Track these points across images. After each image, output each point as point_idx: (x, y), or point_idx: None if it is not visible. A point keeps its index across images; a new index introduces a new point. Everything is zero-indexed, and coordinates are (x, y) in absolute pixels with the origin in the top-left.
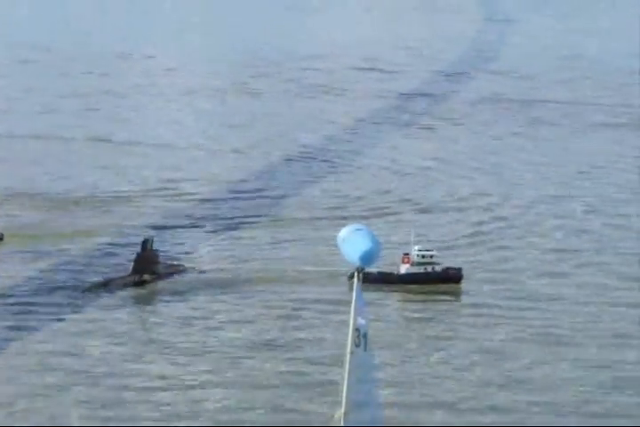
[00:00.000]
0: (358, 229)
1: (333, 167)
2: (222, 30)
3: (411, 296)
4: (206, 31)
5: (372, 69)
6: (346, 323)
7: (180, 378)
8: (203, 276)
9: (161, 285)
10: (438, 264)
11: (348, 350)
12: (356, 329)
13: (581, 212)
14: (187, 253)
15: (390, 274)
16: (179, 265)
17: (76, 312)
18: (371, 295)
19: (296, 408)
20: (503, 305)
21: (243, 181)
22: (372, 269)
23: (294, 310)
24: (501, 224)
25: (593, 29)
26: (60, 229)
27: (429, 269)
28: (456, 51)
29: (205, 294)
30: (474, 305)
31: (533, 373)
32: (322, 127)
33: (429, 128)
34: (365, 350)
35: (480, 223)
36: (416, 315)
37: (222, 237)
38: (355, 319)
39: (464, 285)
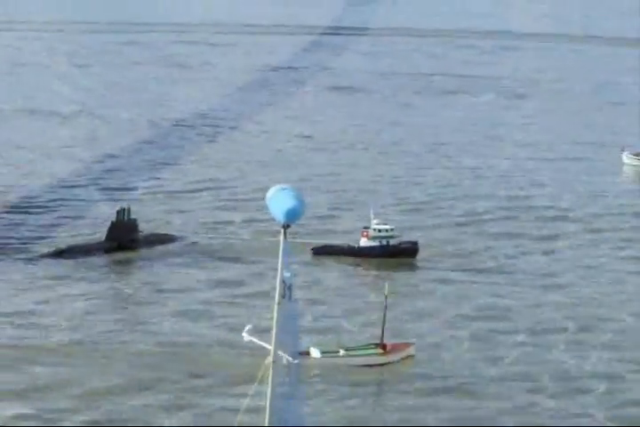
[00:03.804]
0: (283, 189)
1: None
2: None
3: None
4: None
5: (234, 45)
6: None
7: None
8: (186, 244)
9: (138, 252)
10: (395, 238)
11: (276, 301)
12: (283, 282)
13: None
14: (167, 222)
15: (352, 247)
16: (162, 234)
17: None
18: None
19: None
20: (457, 278)
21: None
22: (338, 242)
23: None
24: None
25: None
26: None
27: (384, 242)
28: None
29: (187, 261)
30: (427, 278)
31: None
32: (206, 98)
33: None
34: (290, 300)
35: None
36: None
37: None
38: (281, 273)
39: (419, 258)
